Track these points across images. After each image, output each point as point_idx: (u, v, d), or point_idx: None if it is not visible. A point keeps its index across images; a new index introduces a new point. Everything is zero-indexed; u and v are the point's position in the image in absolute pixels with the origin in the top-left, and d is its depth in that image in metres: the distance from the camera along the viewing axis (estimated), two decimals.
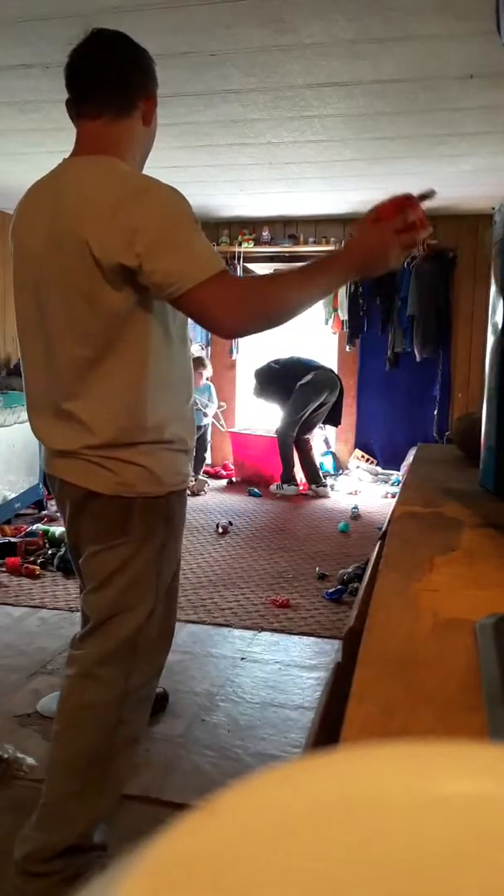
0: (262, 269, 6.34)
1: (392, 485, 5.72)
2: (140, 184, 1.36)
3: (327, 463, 6.34)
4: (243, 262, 6.24)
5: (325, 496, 5.53)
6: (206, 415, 5.72)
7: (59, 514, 5.10)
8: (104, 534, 1.50)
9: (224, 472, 6.33)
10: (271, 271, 6.23)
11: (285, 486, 5.56)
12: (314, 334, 6.39)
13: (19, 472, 4.66)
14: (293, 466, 5.57)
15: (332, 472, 6.28)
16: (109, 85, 1.44)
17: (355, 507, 5.07)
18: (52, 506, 4.96)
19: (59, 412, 1.45)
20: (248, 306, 1.36)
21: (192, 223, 1.35)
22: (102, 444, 1.41)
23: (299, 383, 5.43)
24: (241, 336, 1.46)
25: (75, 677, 1.50)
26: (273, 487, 5.59)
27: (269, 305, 1.38)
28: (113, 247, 1.31)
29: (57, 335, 1.42)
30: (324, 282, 1.43)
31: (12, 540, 3.94)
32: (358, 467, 6.20)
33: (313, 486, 5.61)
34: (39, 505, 4.90)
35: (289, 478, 5.58)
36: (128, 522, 1.47)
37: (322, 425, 5.83)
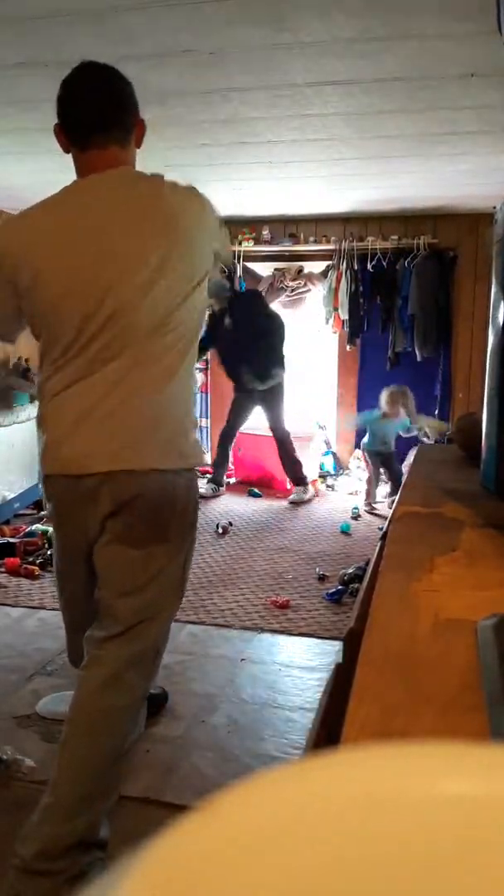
0: (262, 268, 6.34)
1: None
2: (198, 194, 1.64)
3: (328, 463, 6.34)
4: (243, 261, 6.24)
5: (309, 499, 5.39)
6: None
7: None
8: (143, 539, 1.53)
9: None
10: (272, 271, 6.25)
11: (304, 489, 5.36)
12: (314, 334, 6.39)
13: (18, 472, 4.65)
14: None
15: (332, 472, 6.28)
16: (116, 122, 1.58)
17: (356, 507, 5.07)
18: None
19: None
20: None
21: None
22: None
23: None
24: None
25: (101, 679, 1.50)
26: (295, 496, 5.30)
27: None
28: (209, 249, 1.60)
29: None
30: None
31: (11, 540, 3.94)
32: (358, 467, 6.20)
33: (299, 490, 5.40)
34: (39, 505, 4.87)
35: (305, 479, 5.40)
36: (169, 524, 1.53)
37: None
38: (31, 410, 4.67)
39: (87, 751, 1.48)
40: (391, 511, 1.21)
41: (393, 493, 5.08)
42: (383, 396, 5.08)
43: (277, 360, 5.25)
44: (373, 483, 5.21)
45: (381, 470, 5.17)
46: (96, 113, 1.56)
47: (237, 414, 5.49)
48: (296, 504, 5.24)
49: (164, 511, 1.52)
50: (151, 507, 1.50)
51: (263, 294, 5.92)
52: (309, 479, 5.47)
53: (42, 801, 1.46)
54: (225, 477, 5.68)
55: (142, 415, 1.52)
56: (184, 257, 1.54)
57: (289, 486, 5.57)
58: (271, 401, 5.31)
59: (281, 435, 5.36)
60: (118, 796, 1.55)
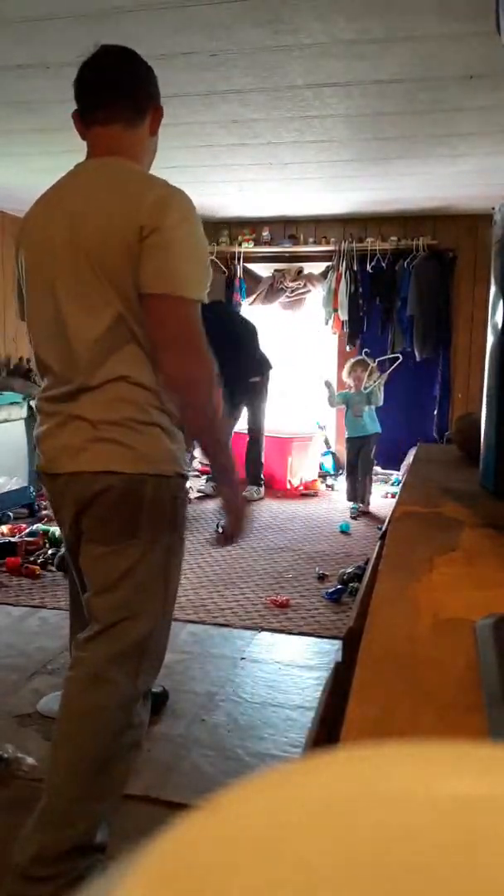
0: (262, 268, 6.34)
1: (392, 485, 5.72)
2: (167, 190, 1.46)
3: (327, 463, 6.34)
4: (243, 262, 6.24)
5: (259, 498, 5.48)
6: None
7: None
8: (112, 536, 1.51)
9: None
10: (271, 272, 6.25)
11: (257, 489, 5.50)
12: (314, 334, 6.39)
13: (8, 472, 4.60)
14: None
15: (331, 471, 6.28)
16: (123, 94, 1.52)
17: (354, 507, 5.07)
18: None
19: None
20: (189, 345, 1.44)
21: (201, 243, 1.48)
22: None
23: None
24: (166, 369, 1.47)
25: (83, 679, 1.50)
26: (247, 493, 5.34)
27: (202, 365, 1.46)
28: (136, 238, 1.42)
29: None
30: (216, 447, 1.55)
31: (12, 540, 3.94)
32: None
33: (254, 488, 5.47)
34: (30, 508, 4.80)
35: (261, 480, 5.56)
36: (137, 521, 1.49)
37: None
38: (14, 410, 4.65)
39: (75, 752, 1.47)
40: (391, 511, 1.21)
41: (354, 489, 5.09)
42: (344, 371, 5.20)
43: (245, 375, 5.23)
44: (354, 480, 5.16)
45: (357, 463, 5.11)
46: (102, 88, 1.53)
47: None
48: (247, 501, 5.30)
49: (128, 508, 1.48)
50: (116, 504, 1.47)
51: (229, 302, 5.99)
52: (262, 482, 5.60)
53: (38, 806, 1.46)
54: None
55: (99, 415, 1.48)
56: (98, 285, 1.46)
57: (288, 486, 5.59)
58: (254, 399, 5.40)
59: (256, 434, 5.48)
60: (119, 798, 1.54)
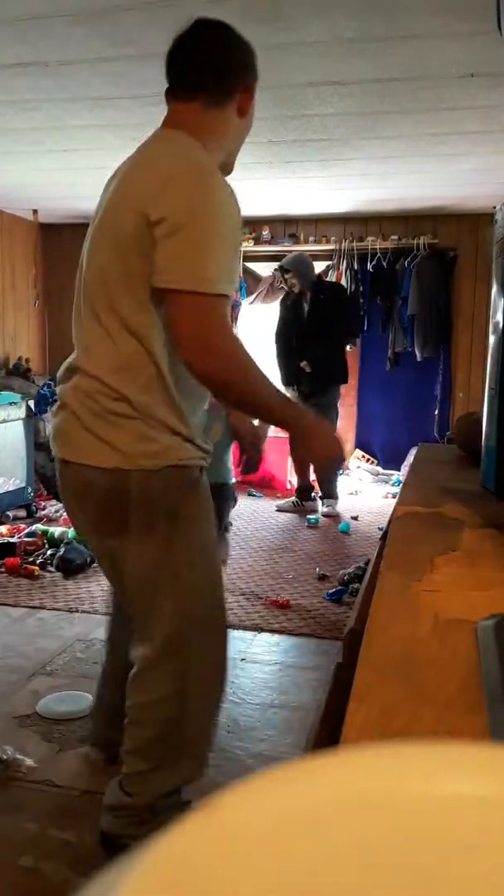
0: (262, 268, 6.34)
1: (393, 485, 5.72)
2: (199, 168, 1.36)
3: None
4: (243, 261, 6.24)
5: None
6: None
7: (57, 515, 5.01)
8: (104, 529, 1.51)
9: None
10: (272, 271, 6.24)
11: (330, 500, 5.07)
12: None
13: (7, 472, 4.59)
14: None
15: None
16: (208, 71, 1.45)
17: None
18: (50, 506, 4.94)
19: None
20: (214, 347, 1.33)
21: (227, 232, 1.35)
22: None
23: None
24: (193, 370, 1.38)
25: (132, 677, 1.56)
26: (325, 507, 4.97)
27: (232, 363, 1.36)
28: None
29: None
30: (272, 407, 1.44)
31: (11, 540, 3.94)
32: (358, 467, 6.20)
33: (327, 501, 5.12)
34: (28, 508, 4.78)
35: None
36: (126, 517, 1.47)
37: None
38: (13, 410, 4.64)
39: (136, 740, 1.58)
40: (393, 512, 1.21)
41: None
42: None
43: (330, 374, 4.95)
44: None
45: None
46: (184, 66, 1.45)
47: None
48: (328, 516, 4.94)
49: (115, 503, 1.45)
50: (103, 498, 1.46)
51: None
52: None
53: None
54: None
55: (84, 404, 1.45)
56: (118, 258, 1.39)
57: (289, 486, 5.57)
58: (325, 405, 4.86)
59: None
60: (199, 765, 1.63)
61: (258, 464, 1.76)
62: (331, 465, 1.55)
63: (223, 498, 2.60)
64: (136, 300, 1.38)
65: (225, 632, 1.63)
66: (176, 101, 1.47)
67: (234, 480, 2.67)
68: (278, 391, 1.47)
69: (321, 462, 1.58)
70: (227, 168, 1.55)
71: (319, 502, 5.07)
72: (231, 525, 2.89)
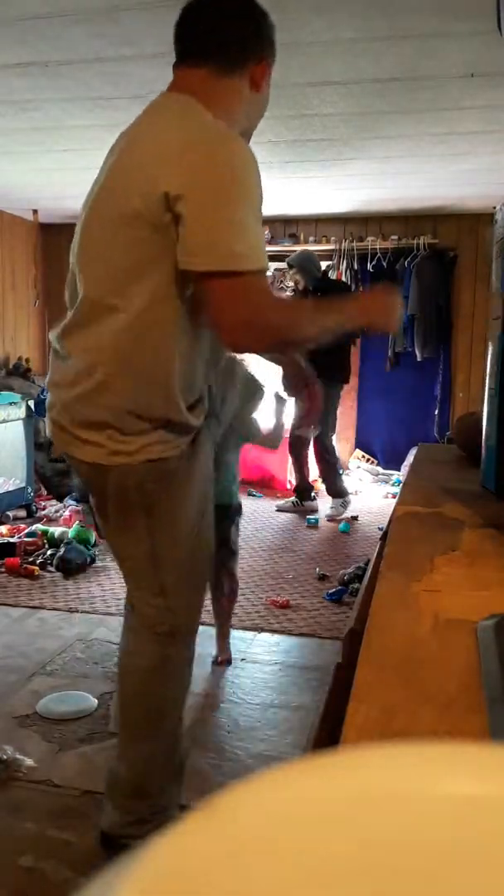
0: None
1: (393, 485, 5.72)
2: (216, 132, 1.28)
3: None
4: None
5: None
6: None
7: (57, 515, 5.01)
8: (102, 514, 1.55)
9: None
10: (272, 271, 6.24)
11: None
12: None
13: (7, 472, 4.59)
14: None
15: None
16: (219, 38, 1.37)
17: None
18: (50, 506, 4.94)
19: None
20: (257, 326, 1.27)
21: (255, 200, 1.27)
22: None
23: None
24: (237, 351, 1.39)
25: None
26: (335, 508, 4.87)
27: (280, 334, 1.33)
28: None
29: None
30: (336, 322, 1.42)
31: (11, 540, 3.94)
32: (358, 467, 6.20)
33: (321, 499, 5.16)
34: (28, 508, 4.77)
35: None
36: (107, 507, 1.50)
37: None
38: (13, 410, 4.64)
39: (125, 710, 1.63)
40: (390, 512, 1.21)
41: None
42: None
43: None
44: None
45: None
46: (192, 29, 1.38)
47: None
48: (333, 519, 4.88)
49: (100, 493, 1.47)
50: (93, 486, 1.49)
51: None
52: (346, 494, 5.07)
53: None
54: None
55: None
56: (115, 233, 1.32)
57: (289, 486, 5.56)
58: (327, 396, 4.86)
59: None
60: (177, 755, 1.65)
61: (317, 415, 1.63)
62: (394, 319, 1.45)
63: (228, 519, 2.52)
64: (146, 287, 1.31)
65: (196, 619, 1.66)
66: (181, 67, 1.39)
67: (238, 500, 2.58)
68: (324, 309, 1.44)
69: (390, 323, 1.46)
70: None
71: (332, 504, 4.96)
72: (236, 554, 2.69)
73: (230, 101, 1.38)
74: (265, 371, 2.08)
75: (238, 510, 2.62)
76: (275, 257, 6.22)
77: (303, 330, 1.36)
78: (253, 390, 2.07)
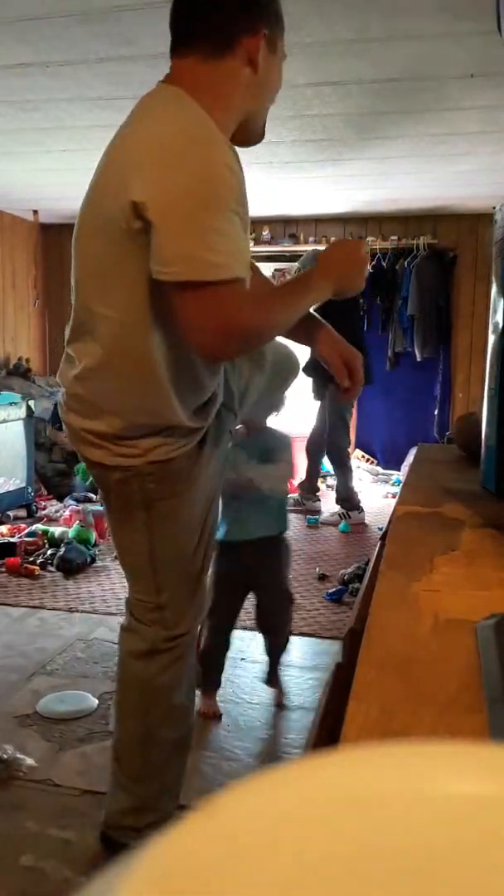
0: (262, 268, 6.33)
1: (393, 485, 5.72)
2: (186, 134, 1.21)
3: (327, 463, 6.33)
4: None
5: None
6: None
7: (57, 515, 5.00)
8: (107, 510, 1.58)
9: None
10: (271, 271, 6.24)
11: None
12: None
13: (7, 472, 4.59)
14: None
15: (331, 472, 6.27)
16: (201, 15, 1.28)
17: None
18: (50, 506, 4.94)
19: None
20: (232, 335, 1.25)
21: (223, 205, 1.21)
22: None
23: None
24: (212, 361, 1.35)
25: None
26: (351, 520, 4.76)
27: (258, 337, 1.34)
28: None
29: None
30: (307, 299, 1.38)
31: (11, 540, 3.94)
32: (358, 467, 6.20)
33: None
34: (28, 508, 4.77)
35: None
36: (110, 503, 1.53)
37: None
38: (13, 411, 4.64)
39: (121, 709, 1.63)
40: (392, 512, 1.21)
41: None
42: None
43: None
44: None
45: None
46: (179, 17, 1.31)
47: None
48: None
49: (104, 489, 1.51)
50: (98, 482, 1.52)
51: None
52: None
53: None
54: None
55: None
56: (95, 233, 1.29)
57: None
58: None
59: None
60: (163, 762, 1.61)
61: (359, 386, 1.51)
62: (362, 272, 1.39)
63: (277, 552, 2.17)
64: (124, 294, 1.29)
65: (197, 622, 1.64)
66: (173, 59, 1.32)
67: (287, 529, 2.27)
68: (291, 290, 1.42)
69: (357, 279, 1.39)
70: (250, 133, 1.44)
71: (334, 511, 4.90)
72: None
73: (223, 86, 1.29)
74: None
75: (287, 546, 2.32)
76: (275, 258, 6.23)
77: (279, 323, 1.33)
78: (285, 372, 1.87)
